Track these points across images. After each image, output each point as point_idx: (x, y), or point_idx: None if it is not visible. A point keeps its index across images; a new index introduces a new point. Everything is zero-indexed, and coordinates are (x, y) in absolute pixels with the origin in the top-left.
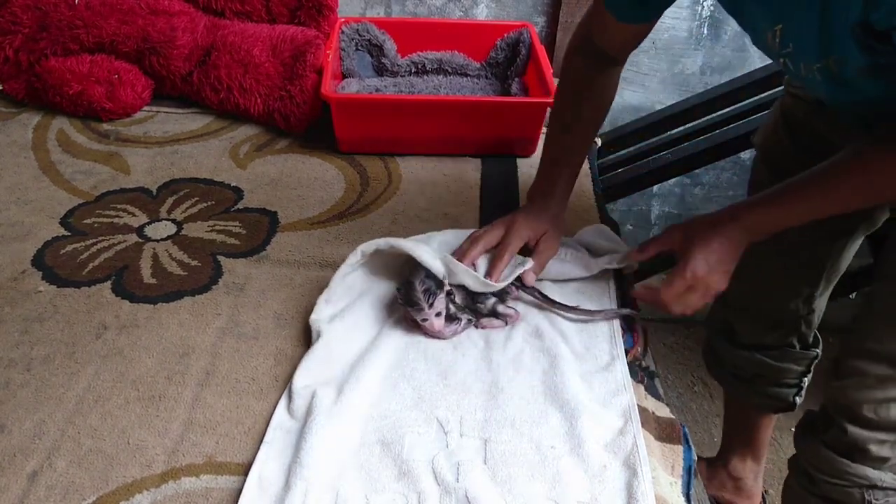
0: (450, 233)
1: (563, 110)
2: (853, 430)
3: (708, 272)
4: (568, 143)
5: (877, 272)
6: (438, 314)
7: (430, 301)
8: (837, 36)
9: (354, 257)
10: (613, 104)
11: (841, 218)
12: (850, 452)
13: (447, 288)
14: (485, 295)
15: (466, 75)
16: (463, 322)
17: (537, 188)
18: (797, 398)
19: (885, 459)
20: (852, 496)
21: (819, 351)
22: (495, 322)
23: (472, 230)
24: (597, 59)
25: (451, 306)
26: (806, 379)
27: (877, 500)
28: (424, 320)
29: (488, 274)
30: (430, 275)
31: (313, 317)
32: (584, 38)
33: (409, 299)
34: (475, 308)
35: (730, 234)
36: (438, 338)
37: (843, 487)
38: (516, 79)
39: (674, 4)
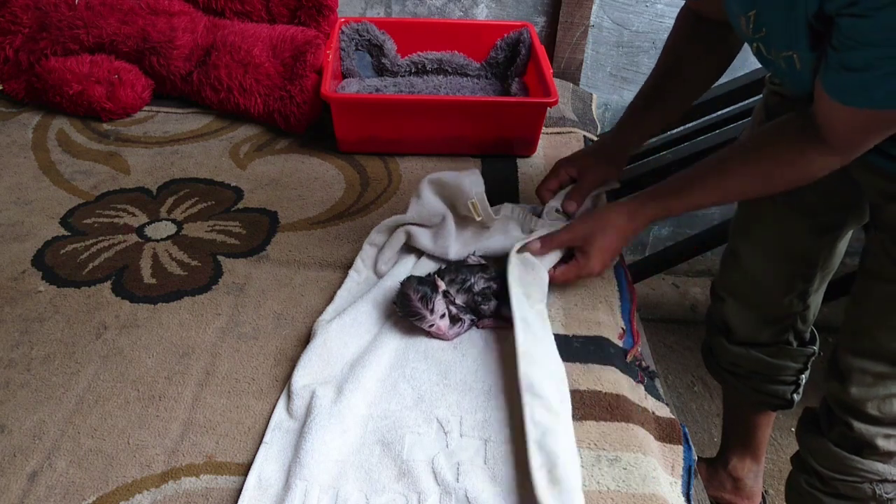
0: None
1: (667, 68)
2: (859, 426)
3: (600, 267)
4: (665, 100)
5: (862, 268)
6: (442, 316)
7: (430, 307)
8: (798, 29)
9: (358, 274)
10: (614, 104)
11: (831, 212)
12: (859, 448)
13: (442, 288)
14: (487, 297)
15: (466, 75)
16: (466, 323)
17: (620, 132)
18: (795, 395)
19: (892, 454)
20: (863, 491)
21: (816, 348)
22: (497, 322)
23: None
24: (708, 24)
25: (451, 308)
26: (803, 376)
27: (887, 493)
28: (431, 326)
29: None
30: (422, 281)
31: (318, 319)
32: (689, 9)
33: (408, 311)
34: (478, 310)
35: (628, 232)
36: (443, 339)
37: (854, 483)
38: (516, 79)
39: (675, 5)
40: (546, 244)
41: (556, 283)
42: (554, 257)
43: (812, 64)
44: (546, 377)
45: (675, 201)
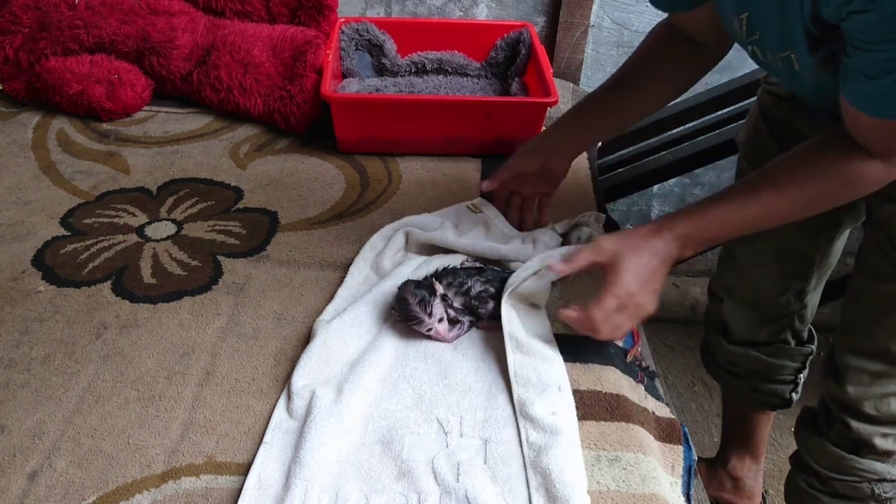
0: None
1: (632, 73)
2: (857, 425)
3: (640, 289)
4: (620, 101)
5: (858, 266)
6: (441, 320)
7: (428, 310)
8: (794, 31)
9: (359, 273)
10: None
11: (827, 210)
12: (857, 448)
13: (440, 292)
14: (484, 300)
15: (466, 75)
16: (465, 325)
17: (561, 130)
18: (793, 395)
19: (890, 453)
20: (862, 491)
21: (813, 347)
22: (496, 323)
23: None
24: (683, 38)
25: (450, 311)
26: (801, 375)
27: (885, 492)
28: (429, 330)
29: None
30: (419, 285)
31: (318, 318)
32: (668, 22)
33: (406, 316)
34: (476, 312)
35: (660, 249)
36: (443, 342)
37: (853, 483)
38: (516, 79)
39: None
40: (571, 263)
41: (604, 330)
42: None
43: (811, 64)
44: (538, 395)
45: (708, 217)
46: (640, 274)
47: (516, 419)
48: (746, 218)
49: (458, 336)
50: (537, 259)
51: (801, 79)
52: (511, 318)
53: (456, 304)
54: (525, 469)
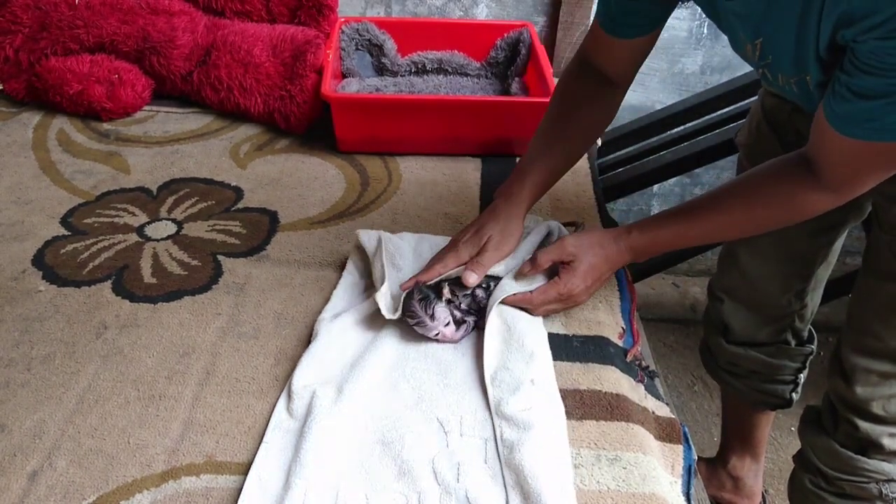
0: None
1: (552, 126)
2: (865, 425)
3: (583, 289)
4: (551, 158)
5: (866, 267)
6: (447, 324)
7: (430, 312)
8: (809, 56)
9: (352, 276)
10: None
11: (830, 212)
12: (864, 448)
13: (446, 297)
14: (489, 291)
15: (466, 75)
16: (471, 323)
17: (510, 192)
18: (793, 395)
19: None
20: (869, 491)
21: (814, 347)
22: None
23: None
24: (596, 80)
25: (456, 313)
26: (801, 375)
27: (893, 493)
28: (437, 334)
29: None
30: (422, 290)
31: (318, 318)
32: (581, 61)
33: (410, 315)
34: (482, 308)
35: (615, 259)
36: (450, 343)
37: (860, 483)
38: (516, 78)
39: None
40: (537, 263)
41: (536, 310)
42: (539, 279)
43: (824, 84)
44: (511, 393)
45: (661, 232)
46: (588, 276)
47: (491, 419)
48: (698, 237)
49: (464, 335)
50: (511, 281)
51: (815, 98)
52: (493, 325)
53: (463, 306)
54: (501, 468)
